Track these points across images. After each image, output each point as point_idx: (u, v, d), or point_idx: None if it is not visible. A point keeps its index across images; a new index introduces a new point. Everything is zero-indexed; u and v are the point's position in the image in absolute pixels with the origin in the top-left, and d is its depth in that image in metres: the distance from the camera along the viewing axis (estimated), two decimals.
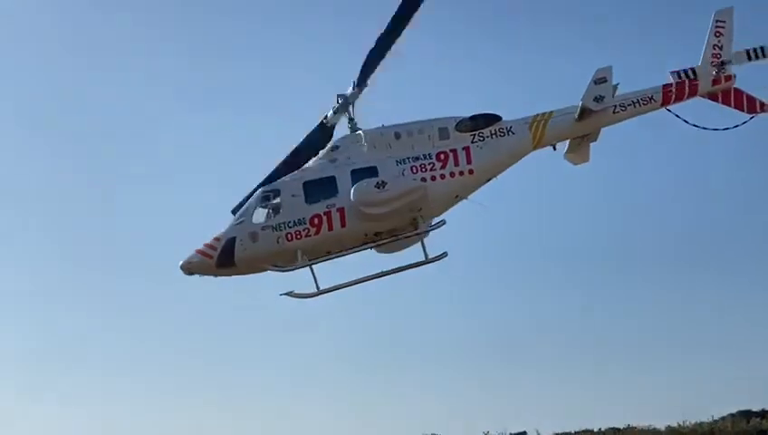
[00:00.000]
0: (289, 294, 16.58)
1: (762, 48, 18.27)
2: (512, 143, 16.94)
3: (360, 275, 16.87)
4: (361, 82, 17.43)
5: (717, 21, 18.26)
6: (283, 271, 16.54)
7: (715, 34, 18.20)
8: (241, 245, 16.29)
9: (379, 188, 15.66)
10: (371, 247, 17.03)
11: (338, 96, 17.81)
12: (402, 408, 53.46)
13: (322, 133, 18.00)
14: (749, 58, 18.31)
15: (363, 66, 17.21)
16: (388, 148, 16.79)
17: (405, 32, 16.51)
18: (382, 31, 16.67)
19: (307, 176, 16.81)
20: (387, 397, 55.40)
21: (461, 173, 16.36)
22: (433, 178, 16.11)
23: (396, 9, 16.24)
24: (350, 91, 17.64)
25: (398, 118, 17.73)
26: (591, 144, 18.40)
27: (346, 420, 52.62)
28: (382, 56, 16.88)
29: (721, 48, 18.25)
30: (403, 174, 16.22)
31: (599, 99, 16.98)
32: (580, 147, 18.28)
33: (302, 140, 18.21)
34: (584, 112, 17.20)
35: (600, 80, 17.04)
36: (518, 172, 17.97)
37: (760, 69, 19.30)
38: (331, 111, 18.07)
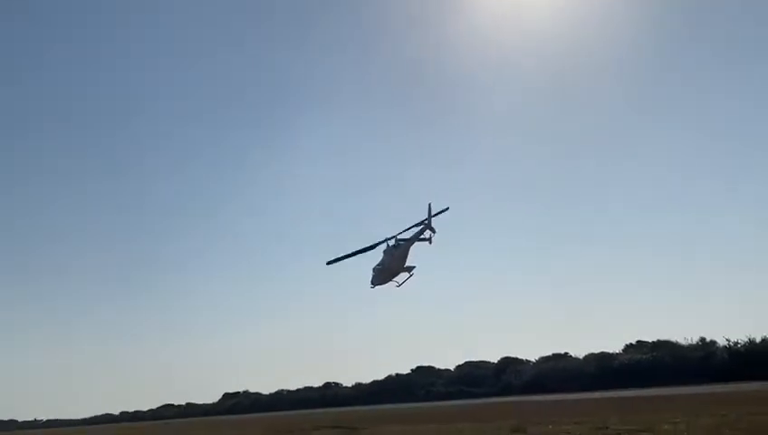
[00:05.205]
0: (398, 285, 51.25)
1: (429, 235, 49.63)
2: (401, 252, 50.23)
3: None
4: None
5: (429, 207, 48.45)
6: (386, 283, 51.94)
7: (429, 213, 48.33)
8: (376, 275, 51.33)
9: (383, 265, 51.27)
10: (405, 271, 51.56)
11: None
12: None
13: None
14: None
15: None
16: (386, 252, 50.76)
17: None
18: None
19: (384, 258, 51.00)
20: None
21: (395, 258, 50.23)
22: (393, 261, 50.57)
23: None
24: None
25: None
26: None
27: None
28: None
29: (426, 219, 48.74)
30: (390, 260, 50.45)
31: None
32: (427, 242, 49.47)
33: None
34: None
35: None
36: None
37: None
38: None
